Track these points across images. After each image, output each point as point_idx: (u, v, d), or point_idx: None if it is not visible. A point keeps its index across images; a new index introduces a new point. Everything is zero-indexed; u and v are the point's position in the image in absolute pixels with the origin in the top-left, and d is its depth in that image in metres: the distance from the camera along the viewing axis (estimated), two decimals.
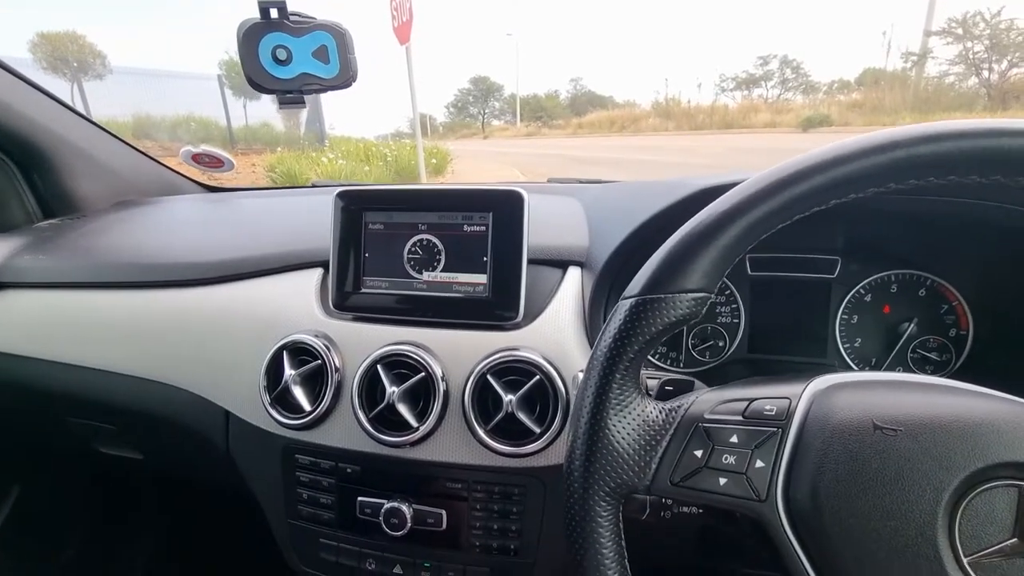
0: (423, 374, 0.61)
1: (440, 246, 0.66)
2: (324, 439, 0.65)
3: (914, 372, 0.65)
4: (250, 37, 0.67)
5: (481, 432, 0.58)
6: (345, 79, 0.72)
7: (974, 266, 0.62)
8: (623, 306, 0.36)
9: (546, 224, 0.74)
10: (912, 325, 0.63)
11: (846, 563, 0.30)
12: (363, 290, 0.68)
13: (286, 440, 0.67)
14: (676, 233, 0.36)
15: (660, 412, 0.36)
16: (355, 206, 0.68)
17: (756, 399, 0.36)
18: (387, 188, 0.69)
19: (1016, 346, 0.59)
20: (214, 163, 1.31)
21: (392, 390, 0.60)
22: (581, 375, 0.46)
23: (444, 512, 0.62)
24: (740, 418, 0.35)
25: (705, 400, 0.37)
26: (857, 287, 0.66)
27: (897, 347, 0.64)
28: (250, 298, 0.74)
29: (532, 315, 0.64)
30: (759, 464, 0.33)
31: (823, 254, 0.67)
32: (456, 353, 0.63)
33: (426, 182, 5.90)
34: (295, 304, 0.71)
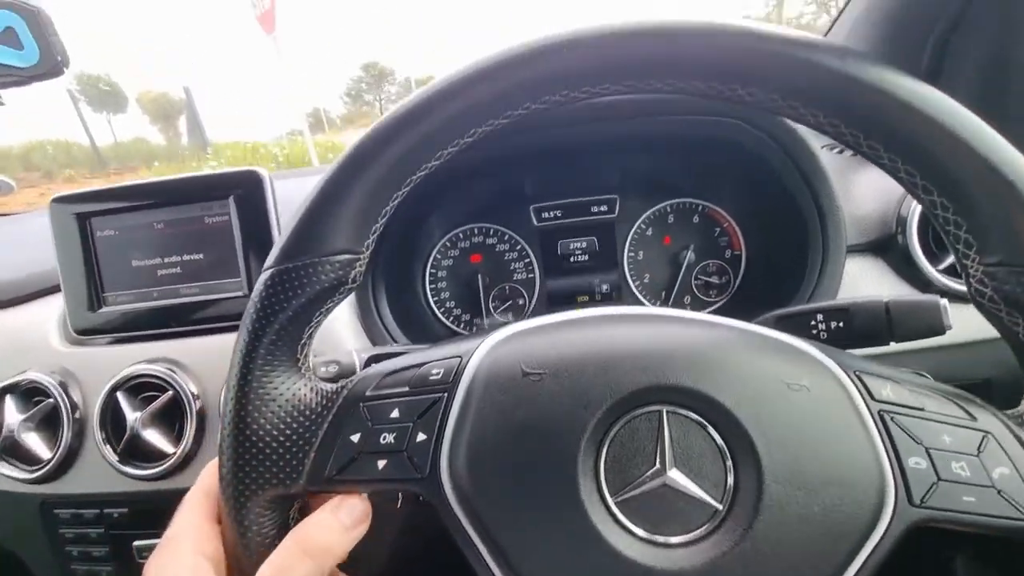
0: (170, 393, 0.53)
1: (183, 245, 0.58)
2: (78, 486, 0.56)
3: (700, 298, 0.65)
4: None
5: None
6: (52, 66, 0.61)
7: (732, 187, 0.62)
8: (260, 279, 0.31)
9: None
10: (690, 252, 0.63)
11: (501, 530, 0.27)
12: (105, 308, 0.59)
13: (40, 497, 0.58)
14: (306, 197, 0.31)
15: (318, 396, 0.31)
16: (78, 212, 0.58)
17: (425, 364, 0.32)
18: (111, 187, 0.59)
19: (778, 259, 0.60)
20: None
21: (134, 417, 0.53)
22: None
23: None
24: (406, 389, 0.31)
25: (371, 375, 0.32)
26: (638, 222, 0.66)
27: (680, 276, 0.64)
28: None
29: None
30: (421, 437, 0.29)
31: (601, 194, 0.65)
32: (214, 362, 0.56)
33: None
34: (28, 337, 0.61)
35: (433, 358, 0.32)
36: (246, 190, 0.56)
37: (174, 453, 0.53)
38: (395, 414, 0.30)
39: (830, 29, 0.63)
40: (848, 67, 0.25)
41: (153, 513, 0.56)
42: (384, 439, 0.30)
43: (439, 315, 0.68)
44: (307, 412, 0.31)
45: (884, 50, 0.55)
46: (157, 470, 0.53)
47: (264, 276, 0.31)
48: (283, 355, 0.31)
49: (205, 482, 0.32)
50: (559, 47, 0.27)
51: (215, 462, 0.32)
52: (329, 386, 0.32)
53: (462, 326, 0.69)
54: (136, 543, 0.57)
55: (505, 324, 0.34)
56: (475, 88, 0.28)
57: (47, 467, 0.55)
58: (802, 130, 0.53)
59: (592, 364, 0.28)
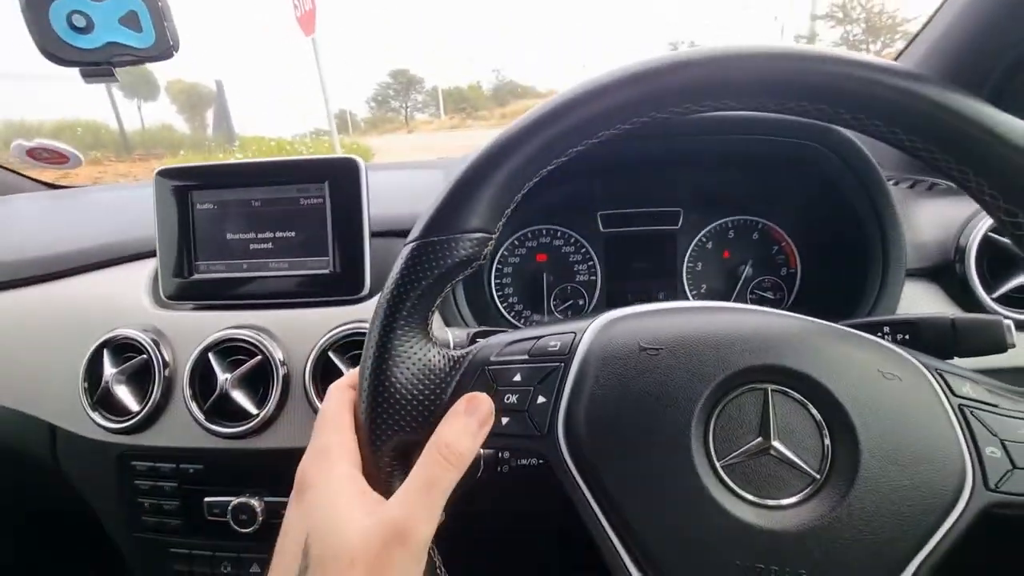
0: (259, 357, 0.57)
1: (277, 222, 0.62)
2: (159, 440, 0.60)
3: None
4: (35, 2, 0.60)
5: None
6: (164, 49, 0.66)
7: (794, 207, 0.66)
8: (403, 252, 0.35)
9: (401, 196, 0.72)
10: (747, 267, 0.67)
11: (614, 488, 0.30)
12: (196, 276, 0.63)
13: (121, 448, 0.61)
14: (450, 177, 0.35)
15: (446, 360, 0.35)
16: (180, 185, 0.63)
17: (543, 336, 0.35)
18: (214, 164, 0.64)
19: (834, 279, 0.63)
20: (56, 158, 1.17)
21: (224, 377, 0.56)
22: None
23: None
24: (526, 357, 0.34)
25: (494, 344, 0.36)
26: (699, 235, 0.69)
27: (737, 289, 0.67)
28: (71, 296, 0.67)
29: (381, 288, 0.61)
30: (541, 400, 0.33)
31: (667, 206, 0.69)
32: (299, 333, 0.59)
33: None
34: (121, 298, 0.65)
35: (549, 332, 0.36)
36: (342, 176, 0.60)
37: (257, 415, 0.56)
38: (517, 378, 0.34)
39: (901, 53, 0.67)
40: (950, 100, 0.28)
41: (227, 471, 0.60)
42: (508, 399, 0.33)
43: (500, 308, 0.71)
44: (437, 371, 0.34)
45: (953, 76, 0.58)
46: (239, 429, 0.57)
47: (409, 247, 0.34)
48: (418, 319, 0.35)
49: (348, 396, 0.36)
50: (696, 63, 0.31)
51: (347, 380, 0.36)
52: (454, 352, 0.36)
53: (521, 320, 0.72)
54: (207, 499, 0.60)
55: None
56: (608, 96, 0.32)
57: (134, 419, 0.58)
58: (872, 155, 0.56)
59: (706, 343, 0.31)
